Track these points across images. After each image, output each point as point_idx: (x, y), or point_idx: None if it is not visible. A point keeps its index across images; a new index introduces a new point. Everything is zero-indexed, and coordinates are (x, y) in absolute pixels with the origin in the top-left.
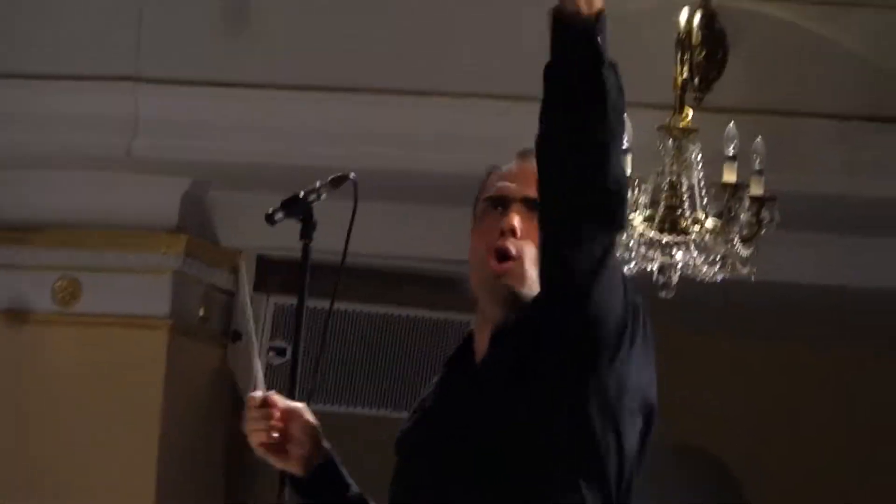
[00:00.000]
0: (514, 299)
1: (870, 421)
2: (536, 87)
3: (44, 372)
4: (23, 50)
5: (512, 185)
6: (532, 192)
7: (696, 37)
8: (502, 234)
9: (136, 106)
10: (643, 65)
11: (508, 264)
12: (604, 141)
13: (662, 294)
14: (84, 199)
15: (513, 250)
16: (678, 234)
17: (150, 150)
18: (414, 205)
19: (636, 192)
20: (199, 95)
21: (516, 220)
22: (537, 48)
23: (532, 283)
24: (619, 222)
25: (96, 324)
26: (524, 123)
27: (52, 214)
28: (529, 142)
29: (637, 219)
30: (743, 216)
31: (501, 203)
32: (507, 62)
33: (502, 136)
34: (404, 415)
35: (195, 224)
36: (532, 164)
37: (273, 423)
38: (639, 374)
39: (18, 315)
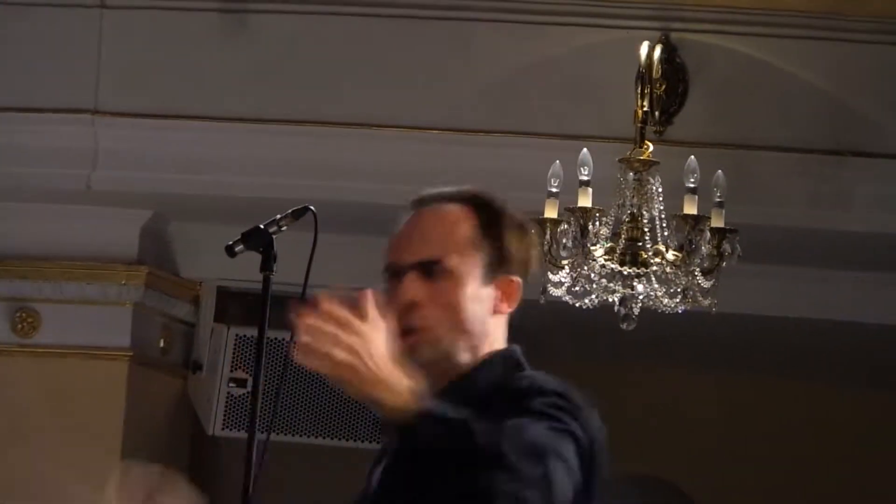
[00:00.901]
0: (432, 367)
1: (830, 450)
2: (484, 120)
3: (3, 402)
4: None
5: (403, 252)
6: (426, 251)
7: (656, 70)
8: (402, 310)
9: (95, 138)
10: (604, 97)
11: (413, 338)
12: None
13: (624, 326)
14: (44, 231)
15: (414, 324)
16: (639, 266)
17: (110, 183)
18: (374, 237)
19: (597, 224)
20: (159, 128)
21: (411, 293)
22: (492, 85)
23: (449, 337)
24: None
25: (56, 355)
26: (472, 154)
27: (11, 246)
28: (478, 168)
29: (598, 251)
30: (704, 248)
31: (394, 274)
32: (460, 98)
33: (452, 169)
34: (365, 445)
35: (155, 256)
36: (425, 215)
37: None
38: None
39: None
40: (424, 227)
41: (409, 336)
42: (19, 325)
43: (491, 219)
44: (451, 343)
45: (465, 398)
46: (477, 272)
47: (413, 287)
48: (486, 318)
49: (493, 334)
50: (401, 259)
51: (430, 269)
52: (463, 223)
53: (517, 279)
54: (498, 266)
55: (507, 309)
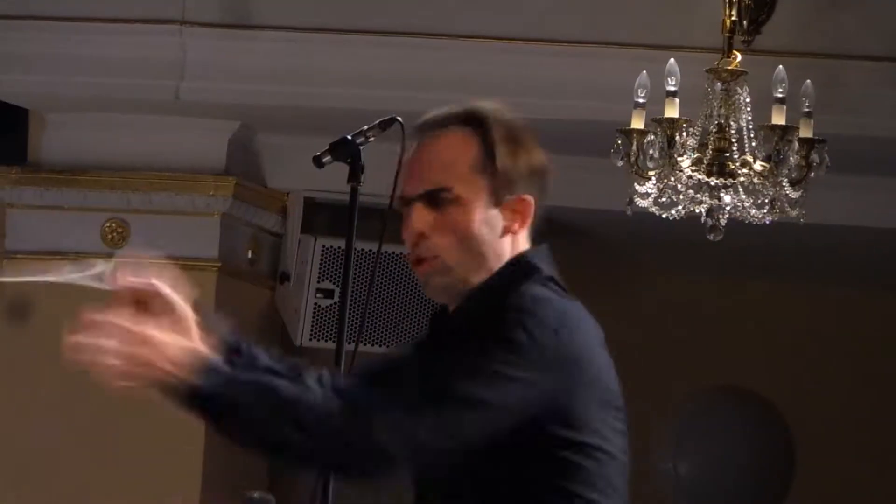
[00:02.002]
0: (449, 291)
1: None
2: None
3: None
4: None
5: (410, 181)
6: (431, 180)
7: None
8: (412, 240)
9: (183, 49)
10: (692, 8)
11: (423, 268)
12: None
13: (711, 237)
14: (132, 142)
15: (423, 254)
16: (727, 177)
17: (198, 94)
18: None
19: (684, 135)
20: (247, 38)
21: (419, 224)
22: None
23: (461, 264)
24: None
25: (147, 265)
26: (558, 65)
27: (100, 157)
28: (564, 79)
29: (685, 161)
30: (792, 159)
31: (404, 205)
32: (546, 8)
33: (540, 78)
34: None
35: (242, 167)
36: (427, 144)
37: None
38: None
39: (67, 256)
40: (427, 157)
41: (420, 265)
42: (109, 236)
43: (493, 139)
44: (464, 269)
45: (467, 315)
46: (483, 196)
47: (420, 218)
48: (497, 240)
49: (509, 254)
50: (407, 191)
51: (436, 199)
52: (465, 147)
53: (528, 197)
54: (505, 187)
55: (520, 228)
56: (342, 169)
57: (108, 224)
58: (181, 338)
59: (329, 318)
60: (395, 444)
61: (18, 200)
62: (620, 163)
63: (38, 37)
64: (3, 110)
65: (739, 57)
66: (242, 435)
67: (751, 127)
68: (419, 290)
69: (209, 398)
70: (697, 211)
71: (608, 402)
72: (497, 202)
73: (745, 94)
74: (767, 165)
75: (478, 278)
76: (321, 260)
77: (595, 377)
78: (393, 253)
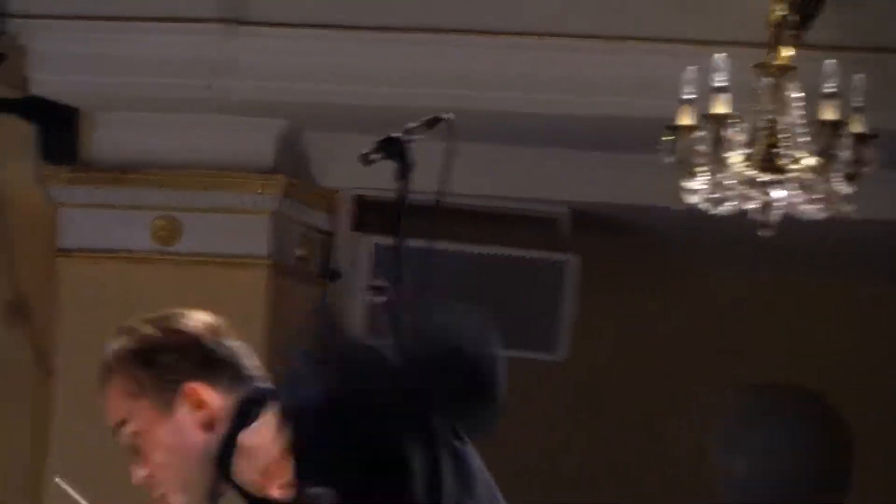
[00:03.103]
0: None
1: None
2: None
3: (144, 309)
4: None
5: None
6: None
7: None
8: None
9: (232, 49)
10: (740, 3)
11: None
12: None
13: (762, 233)
14: (182, 141)
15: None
16: (777, 173)
17: (246, 93)
18: (506, 145)
19: (734, 130)
20: (296, 37)
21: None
22: None
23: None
24: None
25: (196, 262)
26: (605, 62)
27: (150, 155)
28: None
29: (735, 157)
30: (843, 154)
31: None
32: (592, 4)
33: (588, 75)
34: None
35: (291, 165)
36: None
37: None
38: None
39: (118, 254)
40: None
41: None
42: (159, 234)
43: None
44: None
45: None
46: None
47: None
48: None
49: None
50: None
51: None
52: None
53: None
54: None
55: (202, 418)
56: (391, 166)
57: (157, 221)
58: None
59: (381, 316)
60: None
61: (70, 199)
62: (669, 159)
63: (88, 36)
64: (54, 110)
65: (788, 52)
66: None
67: (801, 122)
68: (469, 288)
69: None
70: (748, 207)
71: None
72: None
73: (794, 90)
74: (819, 161)
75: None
76: (372, 257)
77: None
78: (443, 250)
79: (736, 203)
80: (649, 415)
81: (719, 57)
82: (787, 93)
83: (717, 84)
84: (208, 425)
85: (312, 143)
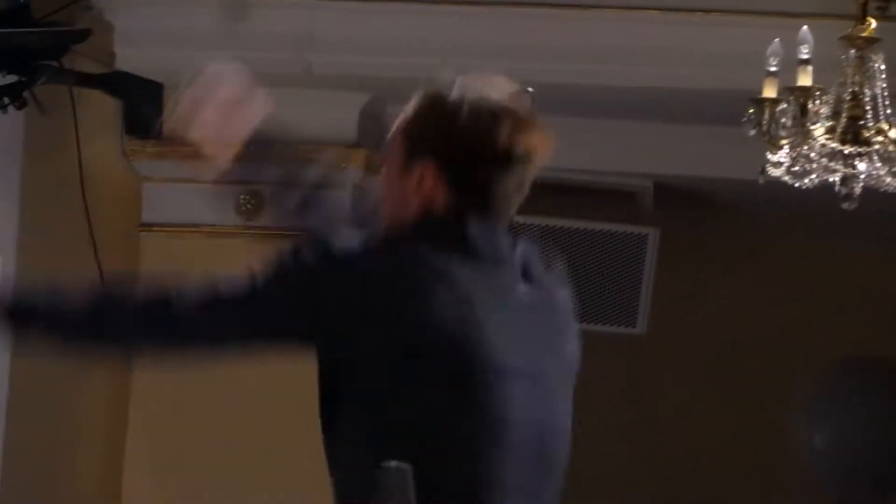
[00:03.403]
0: None
1: None
2: None
3: None
4: None
5: None
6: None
7: None
8: None
9: (313, 22)
10: None
11: None
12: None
13: (845, 206)
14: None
15: None
16: (861, 145)
17: (329, 67)
18: (588, 118)
19: (817, 103)
20: (377, 12)
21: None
22: None
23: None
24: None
25: (279, 236)
26: (685, 34)
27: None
28: (695, 49)
29: (819, 130)
30: None
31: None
32: None
33: (671, 47)
34: (581, 326)
35: (373, 139)
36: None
37: None
38: None
39: (202, 229)
40: None
41: None
42: (243, 207)
43: (426, 108)
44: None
45: None
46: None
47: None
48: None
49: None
50: None
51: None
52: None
53: (430, 165)
54: (414, 152)
55: (418, 199)
56: None
57: (242, 196)
58: None
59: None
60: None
61: (155, 174)
62: (753, 132)
63: (170, 11)
64: (139, 85)
65: (874, 24)
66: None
67: (886, 94)
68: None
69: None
70: (831, 180)
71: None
72: (406, 166)
73: (879, 62)
74: None
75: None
76: None
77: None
78: (524, 223)
79: (819, 175)
80: (731, 389)
81: (805, 29)
82: (872, 65)
83: (802, 56)
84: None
85: (394, 118)
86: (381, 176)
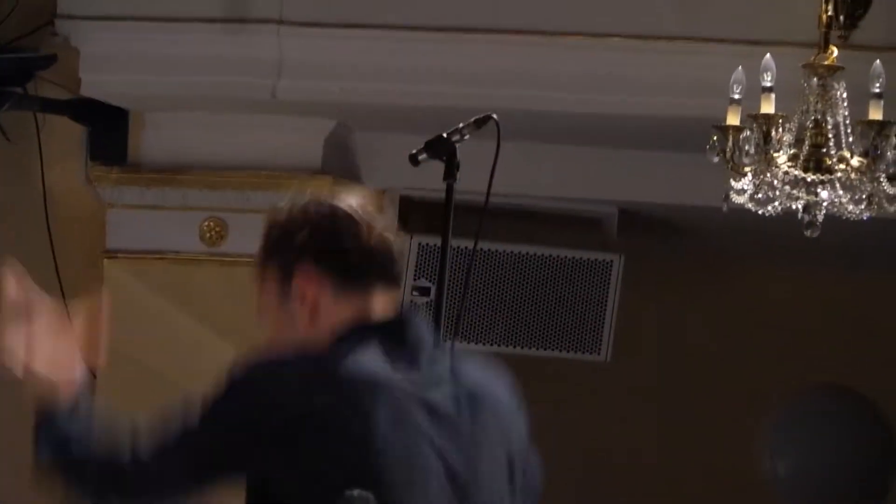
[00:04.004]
0: None
1: None
2: (665, 26)
3: (192, 309)
4: None
5: None
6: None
7: None
8: None
9: (280, 49)
10: (787, 3)
11: None
12: None
13: (808, 233)
14: (230, 141)
15: None
16: (823, 173)
17: (294, 93)
18: (553, 145)
19: (780, 130)
20: (343, 37)
21: None
22: None
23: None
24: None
25: (243, 263)
26: (653, 62)
27: (199, 156)
28: (659, 76)
29: (782, 157)
30: (890, 154)
31: None
32: (640, 4)
33: (635, 75)
34: (549, 353)
35: (339, 165)
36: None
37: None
38: None
39: (166, 255)
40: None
41: None
42: (207, 234)
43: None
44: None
45: None
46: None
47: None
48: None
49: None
50: None
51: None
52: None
53: (308, 269)
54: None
55: (307, 310)
56: (438, 167)
57: (206, 223)
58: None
59: (426, 316)
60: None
61: (119, 200)
62: (716, 159)
63: (136, 37)
64: (103, 111)
65: (836, 52)
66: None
67: (848, 122)
68: (515, 288)
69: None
70: (794, 207)
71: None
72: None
73: (841, 90)
74: (865, 161)
75: None
76: (417, 257)
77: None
78: (489, 250)
79: (782, 203)
80: (695, 416)
81: (768, 57)
82: (834, 93)
83: (765, 84)
84: None
85: (360, 144)
86: (260, 309)
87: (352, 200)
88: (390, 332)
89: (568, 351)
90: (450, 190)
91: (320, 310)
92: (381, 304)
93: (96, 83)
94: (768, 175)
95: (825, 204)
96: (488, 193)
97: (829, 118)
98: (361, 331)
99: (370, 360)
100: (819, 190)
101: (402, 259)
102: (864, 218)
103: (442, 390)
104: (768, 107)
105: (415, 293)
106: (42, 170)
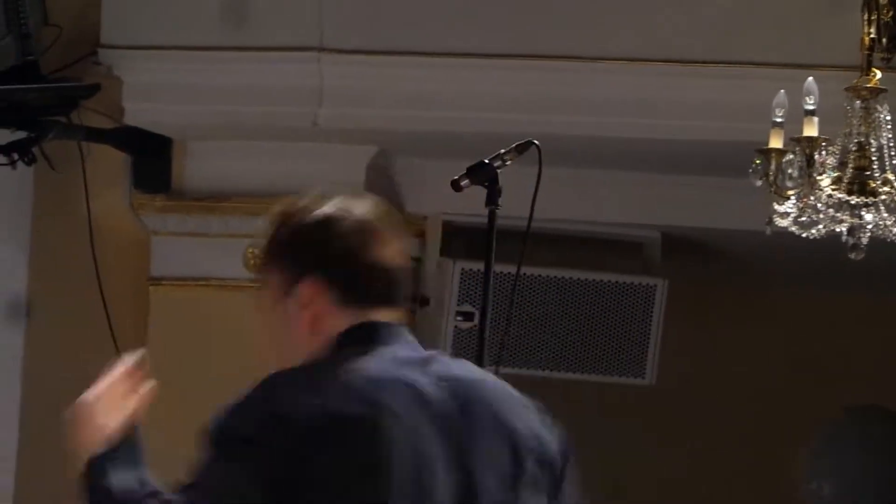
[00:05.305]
0: None
1: None
2: (707, 51)
3: (233, 336)
4: (210, 23)
5: None
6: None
7: None
8: None
9: (321, 76)
10: (830, 26)
11: None
12: None
13: (852, 256)
14: (272, 169)
15: None
16: (867, 195)
17: (336, 120)
18: (595, 169)
19: (823, 153)
20: (384, 65)
21: None
22: (714, 15)
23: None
24: None
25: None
26: (695, 86)
27: (242, 184)
28: (701, 100)
29: (825, 180)
30: None
31: None
32: (681, 29)
33: (678, 99)
34: (594, 378)
35: (381, 191)
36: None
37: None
38: None
39: (210, 282)
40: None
41: None
42: (252, 262)
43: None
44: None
45: None
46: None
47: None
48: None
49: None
50: None
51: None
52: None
53: (313, 278)
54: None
55: (308, 319)
56: (480, 192)
57: (249, 251)
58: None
59: (469, 341)
60: None
61: (163, 228)
62: (759, 182)
63: (178, 66)
64: (147, 140)
65: (879, 74)
66: None
67: (891, 145)
68: (560, 313)
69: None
70: (838, 230)
71: None
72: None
73: (885, 112)
74: None
75: None
76: (460, 283)
77: None
78: (531, 275)
79: (826, 226)
80: (739, 438)
81: (810, 80)
82: (877, 115)
83: (808, 107)
84: None
85: (402, 170)
86: (261, 317)
87: (368, 210)
88: (385, 334)
89: (613, 374)
90: (492, 216)
91: (321, 317)
92: (383, 319)
93: (139, 112)
94: (812, 198)
95: (870, 226)
96: (530, 218)
97: (872, 140)
98: (361, 333)
99: (373, 364)
100: (863, 212)
101: (409, 277)
102: None
103: (434, 383)
104: (811, 130)
105: (459, 318)
106: (87, 198)
